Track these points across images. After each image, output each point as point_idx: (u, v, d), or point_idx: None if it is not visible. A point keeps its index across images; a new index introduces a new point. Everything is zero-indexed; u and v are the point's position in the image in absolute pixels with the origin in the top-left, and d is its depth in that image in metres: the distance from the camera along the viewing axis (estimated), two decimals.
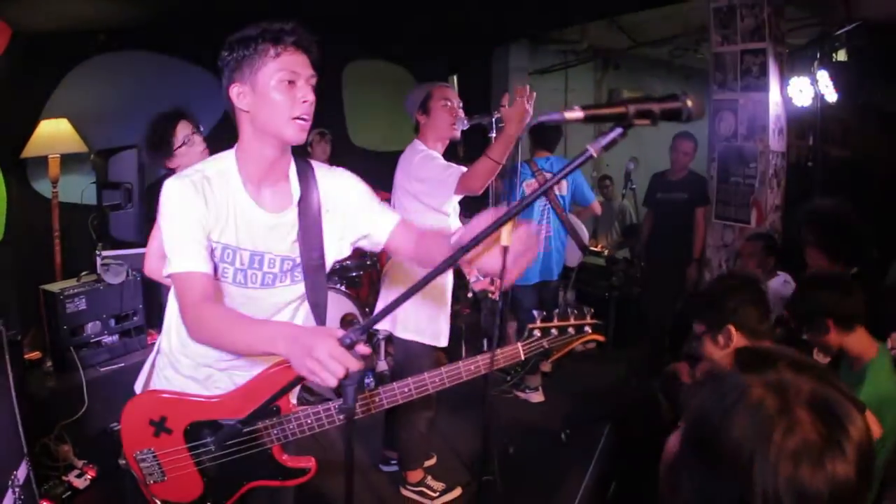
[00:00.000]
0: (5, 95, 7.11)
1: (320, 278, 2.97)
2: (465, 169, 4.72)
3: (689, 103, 1.71)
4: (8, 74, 7.10)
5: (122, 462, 3.04)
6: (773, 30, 6.98)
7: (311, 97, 2.90)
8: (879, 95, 7.49)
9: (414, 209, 4.98)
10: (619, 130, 1.78)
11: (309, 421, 2.83)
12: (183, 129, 4.72)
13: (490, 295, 5.19)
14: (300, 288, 2.96)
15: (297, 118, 2.82)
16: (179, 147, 4.68)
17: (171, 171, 4.45)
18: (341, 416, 2.77)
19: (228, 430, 2.75)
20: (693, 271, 7.91)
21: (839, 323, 3.63)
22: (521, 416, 6.98)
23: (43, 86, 7.71)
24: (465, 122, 5.03)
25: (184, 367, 2.97)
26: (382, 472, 5.84)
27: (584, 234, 7.51)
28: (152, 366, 3.17)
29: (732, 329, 3.18)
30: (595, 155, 1.86)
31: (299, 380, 2.32)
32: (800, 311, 3.88)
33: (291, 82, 2.87)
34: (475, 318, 7.11)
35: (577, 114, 1.83)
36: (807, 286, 3.96)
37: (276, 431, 2.84)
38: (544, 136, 7.20)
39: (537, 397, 7.36)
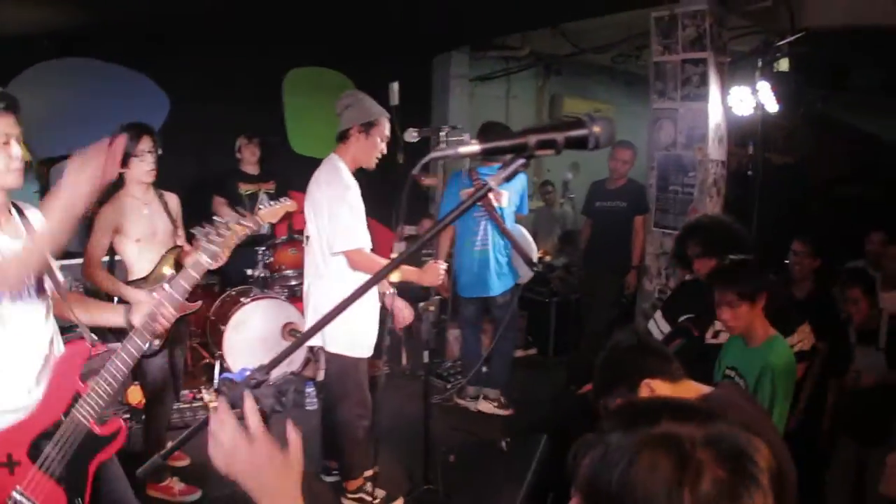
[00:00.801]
0: None
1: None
2: (364, 246, 5.00)
3: (597, 129, 1.61)
4: None
5: None
6: (715, 40, 7.00)
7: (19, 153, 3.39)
8: (821, 103, 7.56)
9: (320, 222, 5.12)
10: (520, 161, 1.68)
11: (103, 385, 3.15)
12: (145, 143, 5.03)
13: (430, 308, 5.20)
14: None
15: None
16: (134, 157, 5.01)
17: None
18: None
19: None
20: (632, 279, 7.97)
21: (745, 298, 3.95)
22: (460, 425, 6.98)
23: None
24: (415, 134, 5.05)
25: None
26: (324, 481, 5.80)
27: (531, 248, 7.35)
28: None
29: (651, 382, 3.11)
30: (495, 188, 1.73)
31: None
32: (709, 300, 4.13)
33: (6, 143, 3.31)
34: (416, 327, 7.06)
35: (473, 148, 1.75)
36: (714, 278, 4.23)
37: (84, 410, 3.11)
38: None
39: (485, 406, 7.39)
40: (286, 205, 4.96)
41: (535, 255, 7.33)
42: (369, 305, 5.26)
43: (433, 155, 1.92)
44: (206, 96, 8.92)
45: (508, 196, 7.01)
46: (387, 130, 5.15)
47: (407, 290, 6.13)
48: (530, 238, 7.42)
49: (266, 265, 8.00)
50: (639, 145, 8.10)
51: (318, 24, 8.68)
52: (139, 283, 5.14)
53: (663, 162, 7.66)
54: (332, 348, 5.18)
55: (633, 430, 1.36)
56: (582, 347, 8.46)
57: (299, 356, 7.76)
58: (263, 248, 8.01)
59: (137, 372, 5.31)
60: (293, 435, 1.70)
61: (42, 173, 7.44)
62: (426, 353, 5.32)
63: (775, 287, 4.58)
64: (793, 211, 6.84)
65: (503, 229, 7.03)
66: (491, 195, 6.48)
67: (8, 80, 7.82)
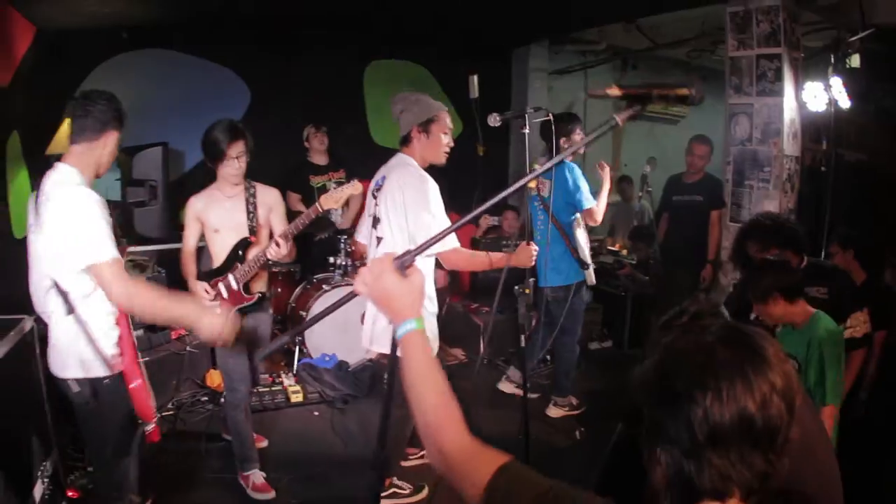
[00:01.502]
0: (30, 92, 7.22)
1: None
2: (454, 240, 4.84)
3: (694, 91, 2.19)
4: (32, 72, 7.22)
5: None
6: (789, 35, 7.02)
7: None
8: (893, 100, 7.53)
9: (399, 223, 5.01)
10: (638, 107, 2.25)
11: None
12: (237, 147, 5.22)
13: (526, 291, 5.14)
14: None
15: None
16: (225, 158, 5.22)
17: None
18: None
19: None
20: (707, 273, 7.97)
21: (786, 295, 4.17)
22: (534, 415, 7.04)
23: (67, 83, 7.82)
24: (498, 119, 5.06)
25: None
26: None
27: (582, 248, 7.04)
28: None
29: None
30: (620, 123, 2.28)
31: None
32: (755, 293, 4.32)
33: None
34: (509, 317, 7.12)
35: (615, 91, 2.31)
36: (756, 271, 4.42)
37: None
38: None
39: (555, 411, 7.28)
40: (348, 188, 5.31)
41: (585, 254, 7.01)
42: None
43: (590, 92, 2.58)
44: (287, 88, 9.11)
45: (550, 186, 6.74)
46: (448, 123, 5.12)
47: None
48: (583, 238, 7.12)
49: (348, 253, 8.13)
50: (714, 140, 8.12)
51: (398, 17, 8.80)
52: (217, 271, 5.45)
53: (739, 157, 7.68)
54: (374, 346, 5.17)
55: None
56: (654, 340, 8.49)
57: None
58: (346, 237, 8.16)
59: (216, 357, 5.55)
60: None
61: (123, 162, 7.65)
62: (523, 338, 5.21)
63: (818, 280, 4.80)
64: (865, 207, 6.81)
65: (553, 220, 6.86)
66: (532, 182, 6.38)
67: (89, 70, 8.09)
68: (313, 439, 6.49)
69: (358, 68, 10.24)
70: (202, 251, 5.70)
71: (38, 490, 4.59)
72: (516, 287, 5.21)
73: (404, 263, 2.20)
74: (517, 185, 2.42)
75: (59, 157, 3.99)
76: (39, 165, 7.38)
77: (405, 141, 5.14)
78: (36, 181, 7.20)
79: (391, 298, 2.16)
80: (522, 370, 5.31)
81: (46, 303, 3.90)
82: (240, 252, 5.40)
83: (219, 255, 5.46)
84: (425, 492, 5.62)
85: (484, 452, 1.91)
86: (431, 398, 2.02)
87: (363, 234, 5.52)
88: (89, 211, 3.69)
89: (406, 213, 4.92)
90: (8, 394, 4.31)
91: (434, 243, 2.53)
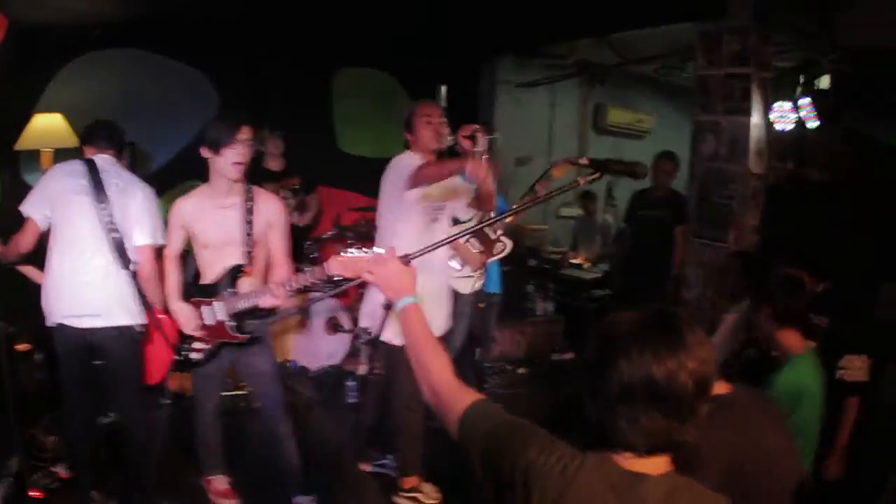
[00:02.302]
0: (0, 87, 7.20)
1: None
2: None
3: (640, 171, 2.90)
4: (2, 66, 7.18)
5: None
6: (758, 55, 7.10)
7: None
8: (861, 122, 7.64)
9: (396, 215, 5.29)
10: (598, 174, 2.86)
11: None
12: (244, 133, 4.74)
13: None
14: None
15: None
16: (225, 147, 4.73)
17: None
18: None
19: None
20: (671, 287, 8.03)
21: (775, 315, 4.15)
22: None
23: (37, 79, 7.81)
24: (450, 137, 5.17)
25: None
26: (369, 472, 6.02)
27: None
28: None
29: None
30: (582, 184, 3.02)
31: None
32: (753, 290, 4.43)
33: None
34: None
35: (584, 160, 2.91)
36: (774, 274, 4.39)
37: None
38: None
39: None
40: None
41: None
42: (428, 290, 4.93)
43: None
44: (255, 92, 9.10)
45: None
46: (427, 110, 5.38)
47: None
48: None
49: (312, 260, 8.09)
50: (681, 156, 8.21)
51: (366, 26, 8.81)
52: (204, 287, 4.91)
53: (705, 174, 7.73)
54: (383, 336, 5.06)
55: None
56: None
57: (341, 349, 7.92)
58: (309, 243, 8.16)
59: None
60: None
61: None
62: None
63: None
64: (832, 227, 6.91)
65: None
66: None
67: (59, 67, 8.04)
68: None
69: (326, 76, 10.24)
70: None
71: (1, 489, 4.58)
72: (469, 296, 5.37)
73: (406, 259, 2.79)
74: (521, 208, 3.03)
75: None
76: (7, 161, 7.36)
77: (406, 146, 5.49)
78: (5, 176, 7.21)
79: (393, 279, 2.74)
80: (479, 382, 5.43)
81: (98, 248, 4.97)
82: (230, 280, 4.86)
83: (206, 272, 4.96)
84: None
85: (463, 391, 2.41)
86: (428, 351, 2.55)
87: None
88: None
89: (382, 200, 5.47)
90: None
91: (438, 247, 3.17)
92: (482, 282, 6.84)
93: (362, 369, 7.43)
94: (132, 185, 5.20)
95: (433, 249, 3.04)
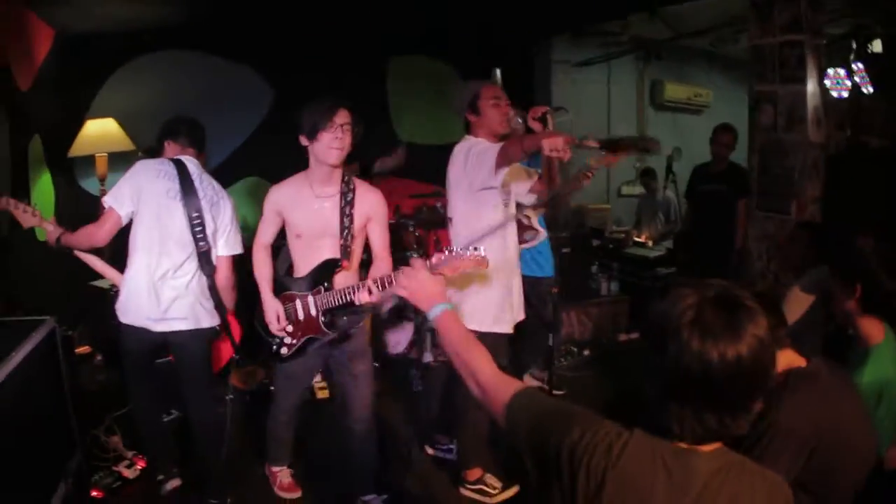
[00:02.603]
0: (51, 95, 7.34)
1: None
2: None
3: (653, 148, 3.08)
4: (53, 75, 7.32)
5: None
6: (810, 22, 7.00)
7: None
8: None
9: (473, 203, 5.13)
10: (610, 154, 3.08)
11: None
12: (342, 117, 4.57)
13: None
14: None
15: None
16: (323, 131, 4.51)
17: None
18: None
19: None
20: (735, 262, 7.94)
21: (865, 298, 3.96)
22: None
23: (88, 86, 7.99)
24: (519, 120, 5.10)
25: None
26: (435, 458, 6.03)
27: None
28: None
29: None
30: (595, 165, 3.76)
31: None
32: (841, 262, 4.08)
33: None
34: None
35: (594, 143, 3.17)
36: (864, 245, 4.22)
37: None
38: None
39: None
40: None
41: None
42: (492, 276, 5.10)
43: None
44: (309, 85, 9.14)
45: None
46: (494, 91, 5.20)
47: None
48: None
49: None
50: (739, 129, 8.11)
51: (420, 12, 8.82)
52: (297, 281, 4.74)
53: (764, 145, 7.65)
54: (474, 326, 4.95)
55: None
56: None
57: (405, 339, 7.93)
58: None
59: None
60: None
61: None
62: (551, 337, 5.23)
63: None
64: (890, 194, 6.78)
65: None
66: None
67: (109, 73, 8.17)
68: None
69: (380, 64, 10.27)
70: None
71: (62, 489, 4.66)
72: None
73: (432, 269, 3.03)
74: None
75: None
76: (62, 168, 7.47)
77: (467, 128, 5.30)
78: (59, 184, 7.33)
79: (423, 290, 2.82)
80: (549, 367, 5.31)
81: (186, 254, 5.01)
82: (326, 274, 4.68)
83: (299, 264, 4.81)
84: (514, 489, 5.57)
85: (508, 381, 2.45)
86: (468, 351, 2.58)
87: None
88: None
89: (457, 187, 5.22)
90: (31, 394, 4.38)
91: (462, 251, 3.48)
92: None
93: (426, 358, 7.45)
94: (222, 198, 5.20)
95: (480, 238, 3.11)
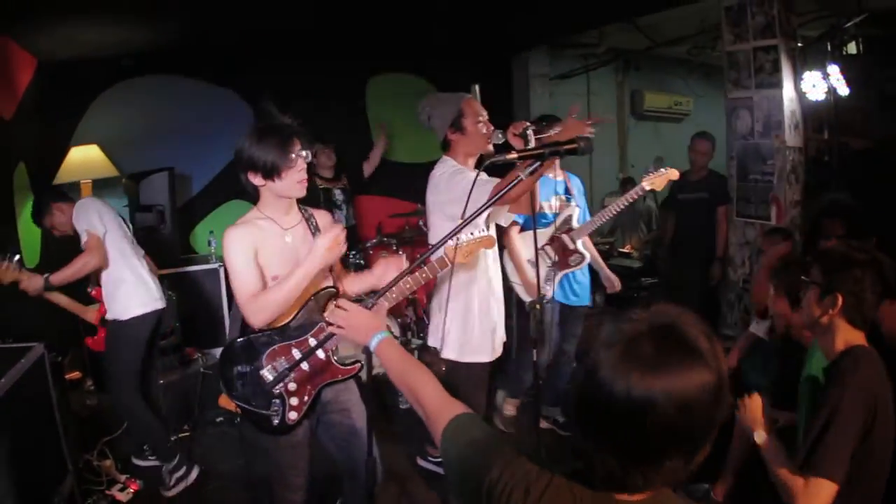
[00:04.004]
0: (34, 123, 7.30)
1: None
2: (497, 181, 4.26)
3: (583, 144, 2.80)
4: (36, 103, 7.28)
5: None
6: (784, 26, 7.00)
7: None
8: (891, 84, 7.51)
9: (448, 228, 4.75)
10: (537, 164, 2.95)
11: None
12: (296, 145, 3.85)
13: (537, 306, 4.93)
14: None
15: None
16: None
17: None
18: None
19: None
20: (717, 270, 7.94)
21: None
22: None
23: (71, 113, 7.95)
24: (500, 135, 4.88)
25: None
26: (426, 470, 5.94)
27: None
28: None
29: (840, 300, 3.14)
30: (524, 178, 3.12)
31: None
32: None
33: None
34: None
35: (513, 155, 3.03)
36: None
37: None
38: None
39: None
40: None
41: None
42: (480, 305, 4.94)
43: (489, 161, 3.19)
44: (290, 106, 9.12)
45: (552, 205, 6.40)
46: (476, 108, 4.82)
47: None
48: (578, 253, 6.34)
49: (357, 268, 7.99)
50: (720, 135, 8.11)
51: (397, 32, 8.83)
52: (284, 330, 3.88)
53: (742, 151, 7.67)
54: (444, 353, 4.88)
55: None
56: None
57: None
58: (354, 252, 8.15)
59: None
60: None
61: (130, 188, 7.75)
62: (534, 352, 5.06)
63: None
64: (876, 193, 6.78)
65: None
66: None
67: (91, 99, 8.15)
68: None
69: (359, 84, 10.27)
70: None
71: None
72: (529, 301, 5.10)
73: (367, 305, 2.96)
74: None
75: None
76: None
77: (445, 146, 4.94)
78: None
79: (361, 325, 2.85)
80: (536, 383, 5.19)
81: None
82: (320, 307, 3.97)
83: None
84: None
85: (448, 407, 2.31)
86: (412, 375, 2.52)
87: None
88: None
89: (434, 213, 4.88)
90: (22, 419, 4.35)
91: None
92: (551, 290, 6.47)
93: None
94: None
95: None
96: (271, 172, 3.77)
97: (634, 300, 9.32)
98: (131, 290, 5.66)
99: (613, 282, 6.31)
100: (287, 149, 3.78)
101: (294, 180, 3.83)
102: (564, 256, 6.08)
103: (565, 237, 6.03)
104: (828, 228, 4.95)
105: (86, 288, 6.09)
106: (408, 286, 3.83)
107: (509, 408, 6.75)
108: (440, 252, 3.83)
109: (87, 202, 5.72)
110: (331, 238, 3.70)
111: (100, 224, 5.52)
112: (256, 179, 3.82)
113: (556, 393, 6.78)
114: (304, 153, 3.85)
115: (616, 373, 1.63)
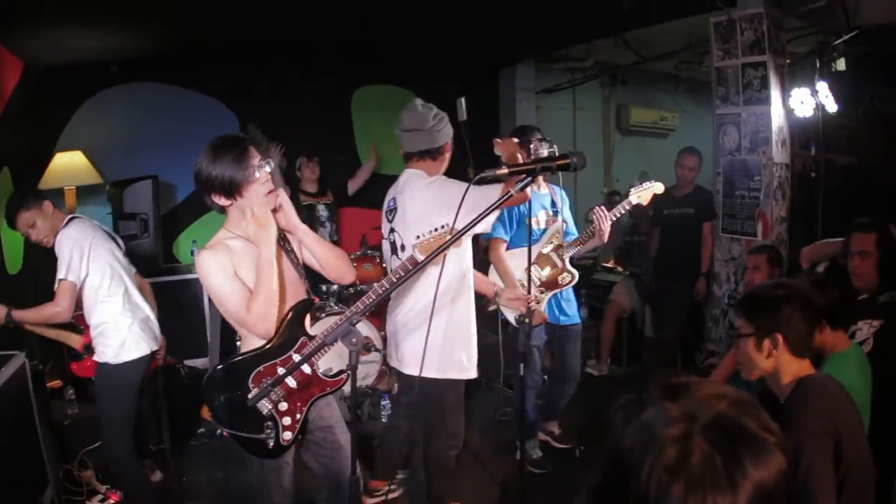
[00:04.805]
0: (20, 128, 7.25)
1: None
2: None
3: (576, 160, 2.92)
4: (21, 108, 7.23)
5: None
6: (773, 42, 7.00)
7: None
8: (881, 102, 7.51)
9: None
10: (529, 179, 2.97)
11: None
12: (254, 157, 3.66)
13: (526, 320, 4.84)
14: None
15: None
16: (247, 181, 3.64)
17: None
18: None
19: None
20: (702, 286, 7.94)
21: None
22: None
23: (56, 118, 7.90)
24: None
25: None
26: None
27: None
28: None
29: (780, 339, 3.13)
30: (514, 194, 3.06)
31: None
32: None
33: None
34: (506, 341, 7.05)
35: (503, 171, 3.01)
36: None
37: None
38: None
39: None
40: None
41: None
42: (463, 322, 4.87)
43: (482, 175, 3.03)
44: (275, 116, 9.11)
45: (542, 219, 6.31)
46: (450, 147, 4.93)
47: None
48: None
49: (337, 295, 7.97)
50: (706, 151, 8.10)
51: (383, 44, 8.82)
52: (265, 350, 3.73)
53: (728, 167, 7.66)
54: (425, 372, 4.44)
55: (669, 400, 1.46)
56: (651, 355, 8.46)
57: (374, 370, 7.83)
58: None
59: None
60: None
61: (114, 196, 7.70)
62: (521, 367, 4.97)
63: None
64: (859, 213, 6.79)
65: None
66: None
67: (77, 105, 8.09)
68: None
69: (345, 95, 10.25)
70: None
71: None
72: (518, 315, 5.03)
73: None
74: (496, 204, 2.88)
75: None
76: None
77: (414, 158, 4.88)
78: None
79: None
80: (521, 397, 5.11)
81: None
82: (299, 321, 3.85)
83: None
84: None
85: None
86: None
87: (387, 261, 5.17)
88: None
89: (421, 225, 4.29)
90: (2, 427, 4.30)
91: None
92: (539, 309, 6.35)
93: (396, 388, 7.36)
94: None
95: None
96: (231, 190, 3.61)
97: (618, 319, 9.27)
98: (123, 335, 5.08)
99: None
100: (243, 162, 3.59)
101: (260, 194, 3.63)
102: (553, 275, 6.04)
103: (553, 255, 5.99)
104: (859, 243, 4.87)
105: None
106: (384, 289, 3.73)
107: (535, 452, 6.61)
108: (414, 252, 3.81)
109: (73, 232, 5.01)
110: (262, 192, 3.60)
111: (80, 266, 4.93)
112: (220, 200, 3.66)
113: (556, 410, 6.77)
114: (263, 164, 3.63)
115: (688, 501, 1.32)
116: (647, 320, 8.96)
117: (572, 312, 6.35)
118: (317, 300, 3.96)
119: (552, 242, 6.02)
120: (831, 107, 7.12)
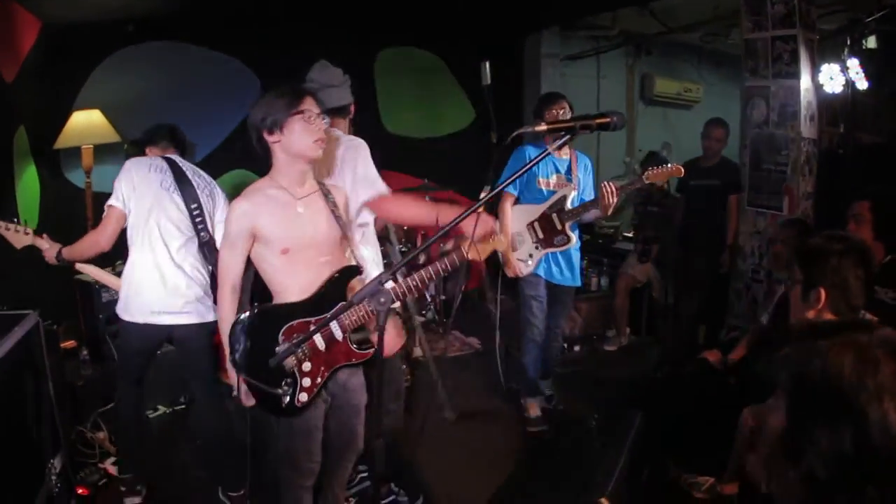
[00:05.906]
0: (37, 87, 7.26)
1: None
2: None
3: (616, 119, 2.87)
4: (39, 66, 7.23)
5: None
6: (804, 17, 6.96)
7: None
8: None
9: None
10: (567, 136, 2.91)
11: None
12: (309, 103, 3.69)
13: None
14: None
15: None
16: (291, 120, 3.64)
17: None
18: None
19: None
20: (726, 258, 7.91)
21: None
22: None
23: (74, 77, 7.87)
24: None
25: None
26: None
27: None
28: None
29: (823, 293, 3.14)
30: (551, 151, 3.15)
31: None
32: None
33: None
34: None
35: (542, 126, 2.99)
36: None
37: None
38: None
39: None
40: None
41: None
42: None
43: (516, 132, 3.14)
44: (298, 77, 9.07)
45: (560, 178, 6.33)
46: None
47: None
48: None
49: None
50: (731, 125, 8.05)
51: (408, 5, 8.76)
52: (302, 305, 3.74)
53: (756, 140, 7.63)
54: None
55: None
56: (674, 327, 8.43)
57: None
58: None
59: None
60: None
61: (133, 154, 7.70)
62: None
63: None
64: (887, 191, 6.76)
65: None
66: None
67: (95, 64, 8.09)
68: None
69: (368, 56, 10.21)
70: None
71: (46, 487, 4.58)
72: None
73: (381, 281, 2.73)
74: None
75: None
76: (47, 160, 7.38)
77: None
78: (43, 176, 7.26)
79: None
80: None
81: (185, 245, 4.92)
82: (341, 286, 3.82)
83: (290, 287, 3.77)
84: None
85: None
86: None
87: None
88: None
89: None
90: (14, 390, 4.28)
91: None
92: (531, 267, 6.35)
93: (416, 352, 7.37)
94: (215, 188, 5.25)
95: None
96: (275, 123, 3.61)
97: (639, 288, 9.25)
98: (125, 291, 4.85)
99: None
100: (297, 102, 3.62)
101: (308, 137, 3.63)
102: (550, 236, 6.09)
103: (555, 216, 6.00)
104: (855, 209, 4.93)
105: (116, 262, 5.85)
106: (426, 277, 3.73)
107: (533, 409, 6.65)
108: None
109: (134, 165, 4.93)
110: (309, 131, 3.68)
111: (131, 196, 4.79)
112: (266, 135, 3.67)
113: (547, 368, 6.78)
114: (318, 111, 3.67)
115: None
116: (655, 287, 8.91)
117: (569, 274, 6.38)
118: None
119: (557, 205, 6.06)
120: (861, 84, 7.09)
